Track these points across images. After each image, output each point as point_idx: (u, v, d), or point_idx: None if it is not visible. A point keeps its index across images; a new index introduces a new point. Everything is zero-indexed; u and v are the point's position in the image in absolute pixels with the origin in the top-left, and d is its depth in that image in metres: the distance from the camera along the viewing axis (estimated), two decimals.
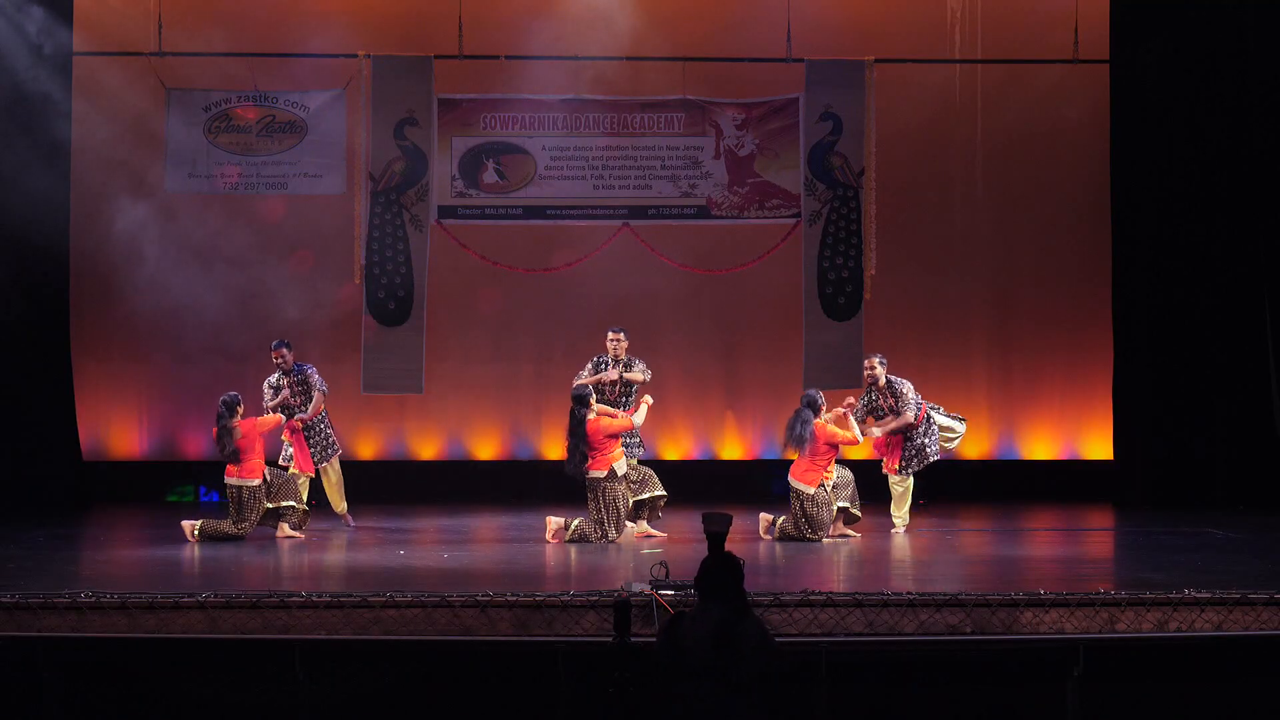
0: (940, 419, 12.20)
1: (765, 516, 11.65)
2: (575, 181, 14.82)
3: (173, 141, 14.49)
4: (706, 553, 6.01)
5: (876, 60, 14.55)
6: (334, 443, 12.55)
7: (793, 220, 14.69)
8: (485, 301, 15.20)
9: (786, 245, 14.78)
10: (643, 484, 11.80)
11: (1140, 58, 14.17)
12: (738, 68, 14.78)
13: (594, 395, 11.48)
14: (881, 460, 12.22)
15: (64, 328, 14.44)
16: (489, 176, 14.73)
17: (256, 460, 11.52)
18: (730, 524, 6.13)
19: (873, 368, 12.12)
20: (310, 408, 12.34)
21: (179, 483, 14.61)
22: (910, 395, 11.98)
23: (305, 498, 12.20)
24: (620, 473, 11.35)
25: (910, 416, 11.97)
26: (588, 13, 14.33)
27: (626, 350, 12.23)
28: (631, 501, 11.66)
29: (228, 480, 11.49)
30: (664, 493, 11.87)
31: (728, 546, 6.07)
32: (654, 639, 7.46)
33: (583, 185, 14.82)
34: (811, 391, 11.61)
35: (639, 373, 12.18)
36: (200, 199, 14.75)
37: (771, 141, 14.70)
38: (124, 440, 15.07)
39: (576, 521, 11.31)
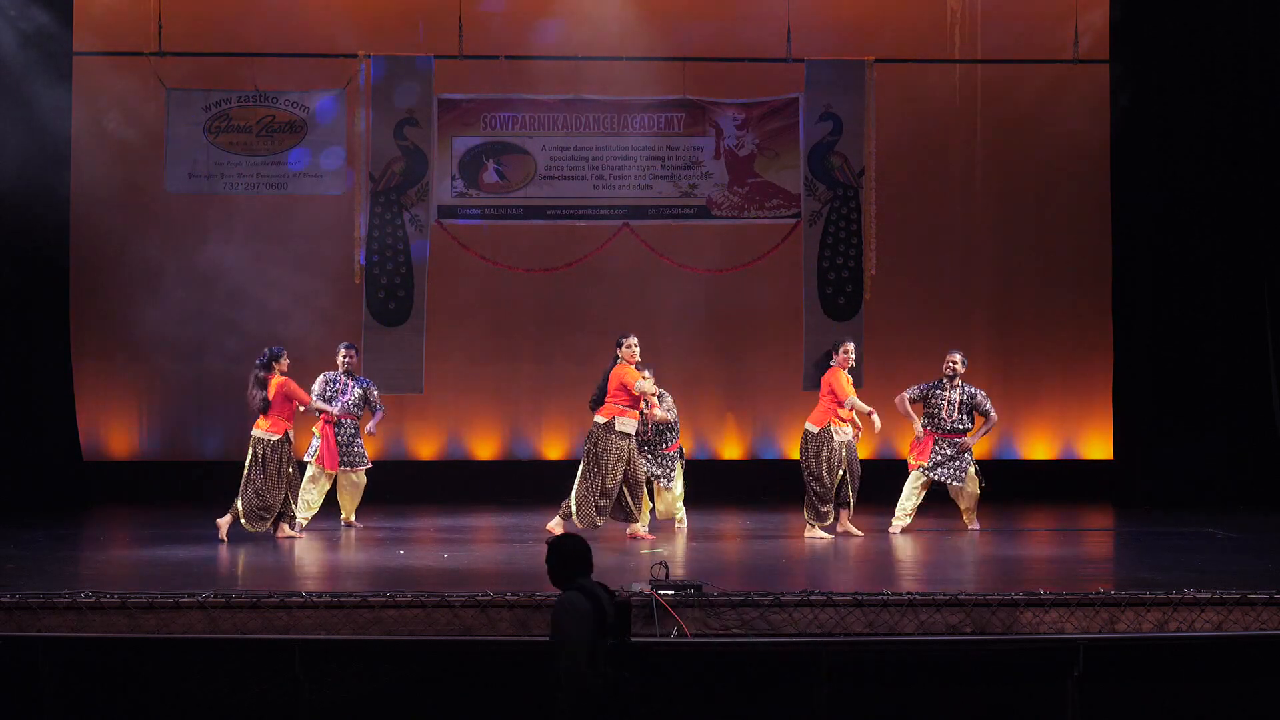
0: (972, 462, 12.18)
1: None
2: (575, 181, 14.80)
3: (173, 141, 14.48)
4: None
5: (876, 60, 14.54)
6: (364, 456, 12.54)
7: (793, 220, 14.67)
8: (485, 301, 15.20)
9: (786, 245, 14.77)
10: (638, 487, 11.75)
11: (1140, 57, 14.17)
12: (738, 68, 14.78)
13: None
14: (906, 460, 12.29)
15: (64, 328, 14.43)
16: (489, 176, 14.72)
17: (282, 420, 11.49)
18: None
19: (955, 362, 12.11)
20: (373, 421, 12.42)
21: (178, 483, 14.57)
22: (989, 402, 12.11)
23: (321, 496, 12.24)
24: (618, 428, 11.29)
25: (995, 417, 12.16)
26: (588, 13, 14.34)
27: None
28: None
29: (254, 432, 11.46)
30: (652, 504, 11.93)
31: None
32: (654, 640, 7.48)
33: (583, 185, 14.80)
34: (844, 338, 12.01)
35: (664, 412, 11.95)
36: (200, 199, 14.75)
37: (771, 141, 14.69)
38: (124, 440, 15.07)
39: (571, 497, 11.30)
